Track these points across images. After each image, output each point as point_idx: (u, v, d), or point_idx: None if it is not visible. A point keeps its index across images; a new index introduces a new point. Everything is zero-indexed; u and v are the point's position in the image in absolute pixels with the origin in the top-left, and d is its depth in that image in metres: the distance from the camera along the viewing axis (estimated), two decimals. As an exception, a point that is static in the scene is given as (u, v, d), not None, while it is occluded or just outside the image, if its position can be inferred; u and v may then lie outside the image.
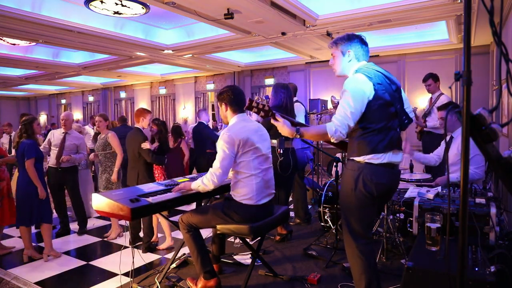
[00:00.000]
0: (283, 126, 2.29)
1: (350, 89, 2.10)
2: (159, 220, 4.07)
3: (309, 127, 2.31)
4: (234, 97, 2.68)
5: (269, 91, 8.52)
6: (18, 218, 3.71)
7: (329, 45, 2.36)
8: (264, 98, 3.82)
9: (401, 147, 2.27)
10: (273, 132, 2.97)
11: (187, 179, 3.00)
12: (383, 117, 2.12)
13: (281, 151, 3.73)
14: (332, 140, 2.12)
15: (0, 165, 3.94)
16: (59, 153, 4.41)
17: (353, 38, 2.25)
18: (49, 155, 4.63)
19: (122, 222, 4.63)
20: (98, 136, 4.55)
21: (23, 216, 3.68)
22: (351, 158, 2.23)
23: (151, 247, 3.91)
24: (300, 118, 4.36)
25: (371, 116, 2.10)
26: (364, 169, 2.15)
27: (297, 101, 4.57)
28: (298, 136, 2.26)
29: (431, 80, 4.89)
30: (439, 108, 3.75)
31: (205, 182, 2.54)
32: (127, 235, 4.16)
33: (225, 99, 2.69)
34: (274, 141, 3.67)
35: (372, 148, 2.12)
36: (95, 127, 5.21)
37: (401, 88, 2.30)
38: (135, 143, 3.76)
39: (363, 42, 2.27)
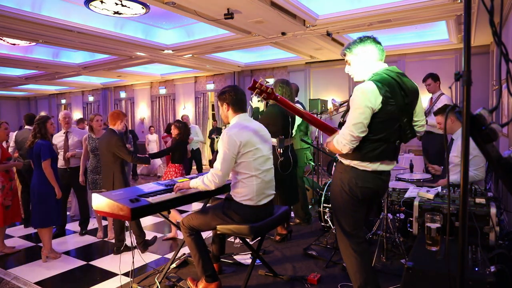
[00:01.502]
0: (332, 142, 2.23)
1: (357, 101, 2.05)
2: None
3: (329, 139, 2.27)
4: (236, 97, 2.66)
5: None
6: (37, 220, 3.70)
7: (342, 53, 2.29)
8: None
9: (396, 159, 2.26)
10: (271, 130, 2.96)
11: (187, 179, 3.00)
12: (384, 130, 2.09)
13: (281, 151, 3.72)
14: (340, 151, 2.12)
15: (7, 168, 3.96)
16: (64, 153, 4.46)
17: (365, 39, 2.20)
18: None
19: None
20: (88, 136, 4.45)
21: (38, 217, 3.68)
22: (339, 159, 2.26)
23: (148, 244, 3.85)
24: (298, 119, 4.36)
25: (372, 126, 2.07)
26: (350, 173, 2.18)
27: (297, 101, 4.56)
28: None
29: (431, 80, 4.89)
30: (435, 113, 3.71)
31: (206, 183, 2.54)
32: (127, 235, 4.16)
33: (227, 99, 2.67)
34: (274, 140, 3.67)
35: (361, 156, 2.13)
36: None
37: (418, 96, 2.22)
38: (111, 144, 3.64)
39: (376, 41, 2.21)
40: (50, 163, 3.69)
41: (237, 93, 2.67)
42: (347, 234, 2.23)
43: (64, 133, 4.54)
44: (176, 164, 4.31)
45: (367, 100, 2.02)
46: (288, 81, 3.94)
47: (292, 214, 4.68)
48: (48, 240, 3.76)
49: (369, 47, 2.18)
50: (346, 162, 2.21)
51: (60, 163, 4.47)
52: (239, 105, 2.69)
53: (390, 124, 2.10)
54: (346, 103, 3.55)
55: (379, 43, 2.21)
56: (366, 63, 2.20)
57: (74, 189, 4.66)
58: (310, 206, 5.09)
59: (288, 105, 2.42)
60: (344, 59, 2.32)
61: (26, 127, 5.01)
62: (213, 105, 11.78)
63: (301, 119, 4.43)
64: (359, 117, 2.03)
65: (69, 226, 4.83)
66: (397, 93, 2.08)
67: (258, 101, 3.94)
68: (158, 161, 9.26)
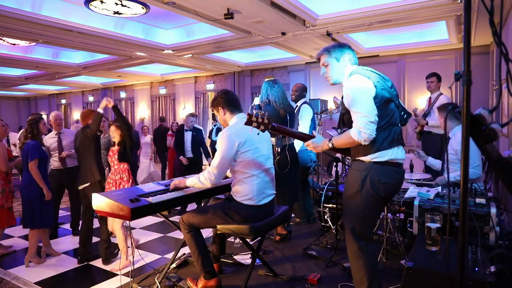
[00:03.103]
0: (317, 145, 2.26)
1: (354, 92, 2.11)
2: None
3: (338, 136, 2.24)
4: (228, 97, 2.72)
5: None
6: (26, 221, 3.67)
7: (318, 55, 2.37)
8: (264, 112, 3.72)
9: (403, 142, 2.29)
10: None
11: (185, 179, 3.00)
12: (386, 114, 2.14)
13: (279, 150, 3.72)
14: (363, 143, 2.10)
15: (10, 168, 3.94)
16: (59, 154, 4.41)
17: (344, 45, 2.33)
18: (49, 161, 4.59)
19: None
20: (101, 136, 4.50)
21: (27, 218, 3.65)
22: (357, 158, 2.22)
23: (111, 256, 3.67)
24: (305, 121, 4.27)
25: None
26: (372, 169, 2.15)
27: (305, 102, 4.46)
28: (331, 144, 2.23)
29: (435, 78, 4.90)
30: (439, 109, 3.74)
31: (202, 181, 2.56)
32: (127, 235, 4.16)
33: (220, 103, 2.71)
34: (272, 139, 3.67)
35: (378, 146, 2.13)
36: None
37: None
38: (88, 135, 3.59)
39: (351, 49, 2.34)
40: (38, 164, 3.59)
41: (227, 94, 2.74)
42: (359, 236, 2.20)
43: (56, 134, 4.48)
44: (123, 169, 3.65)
45: (362, 87, 2.10)
46: (275, 80, 3.90)
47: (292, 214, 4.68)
48: (34, 244, 3.65)
49: (347, 52, 2.30)
50: (365, 158, 2.17)
51: (56, 164, 4.43)
52: (234, 105, 2.72)
53: (389, 107, 2.17)
54: None
55: (353, 50, 2.35)
56: (344, 67, 2.29)
57: (68, 189, 4.56)
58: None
59: (285, 131, 2.45)
60: (320, 62, 2.38)
61: None
62: (213, 105, 11.77)
63: (307, 119, 4.37)
64: (367, 103, 2.07)
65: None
66: (379, 79, 2.18)
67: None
68: (149, 168, 7.76)
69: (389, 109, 2.16)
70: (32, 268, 3.56)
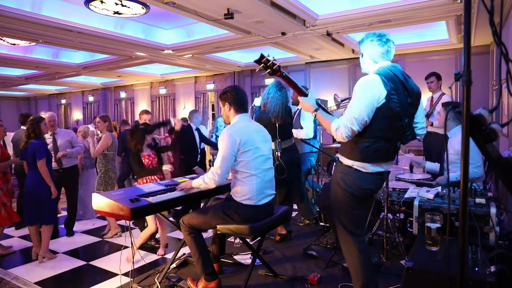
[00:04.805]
0: (305, 104, 2.23)
1: (360, 93, 2.03)
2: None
3: (324, 115, 2.18)
4: (237, 96, 2.70)
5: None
6: (29, 217, 3.73)
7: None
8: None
9: (394, 159, 2.27)
10: (268, 130, 2.95)
11: (187, 179, 3.01)
12: (386, 128, 2.07)
13: (279, 154, 3.70)
14: (333, 137, 2.09)
15: (7, 166, 3.95)
16: (55, 154, 4.38)
17: (368, 38, 2.18)
18: None
19: (121, 222, 4.63)
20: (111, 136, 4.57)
21: (33, 215, 3.70)
22: (341, 158, 2.24)
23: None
24: (307, 121, 4.17)
25: (373, 123, 2.04)
26: (353, 175, 2.17)
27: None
28: (315, 114, 2.20)
29: (434, 78, 4.89)
30: (444, 105, 3.73)
31: (206, 181, 2.55)
32: (127, 235, 4.16)
33: (229, 99, 2.70)
34: (272, 143, 3.64)
35: (364, 157, 2.11)
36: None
37: (420, 99, 2.22)
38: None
39: (382, 42, 2.14)
40: (45, 162, 3.68)
41: (238, 93, 2.71)
42: (351, 233, 2.23)
43: (50, 135, 4.47)
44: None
45: (371, 93, 2.00)
46: (282, 86, 3.77)
47: (293, 214, 4.67)
48: (47, 239, 3.74)
49: (372, 47, 2.16)
50: (347, 162, 2.18)
51: (53, 164, 4.34)
52: (240, 105, 2.71)
53: (393, 123, 2.08)
54: (348, 99, 3.50)
55: (385, 42, 2.14)
56: (364, 62, 2.24)
57: (65, 189, 4.58)
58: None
59: (290, 82, 2.28)
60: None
61: (22, 127, 4.91)
62: (213, 105, 11.78)
63: (309, 119, 4.30)
64: (363, 110, 2.00)
65: (75, 225, 4.83)
66: (400, 91, 2.06)
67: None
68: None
69: (392, 125, 2.08)
70: (32, 268, 3.57)
